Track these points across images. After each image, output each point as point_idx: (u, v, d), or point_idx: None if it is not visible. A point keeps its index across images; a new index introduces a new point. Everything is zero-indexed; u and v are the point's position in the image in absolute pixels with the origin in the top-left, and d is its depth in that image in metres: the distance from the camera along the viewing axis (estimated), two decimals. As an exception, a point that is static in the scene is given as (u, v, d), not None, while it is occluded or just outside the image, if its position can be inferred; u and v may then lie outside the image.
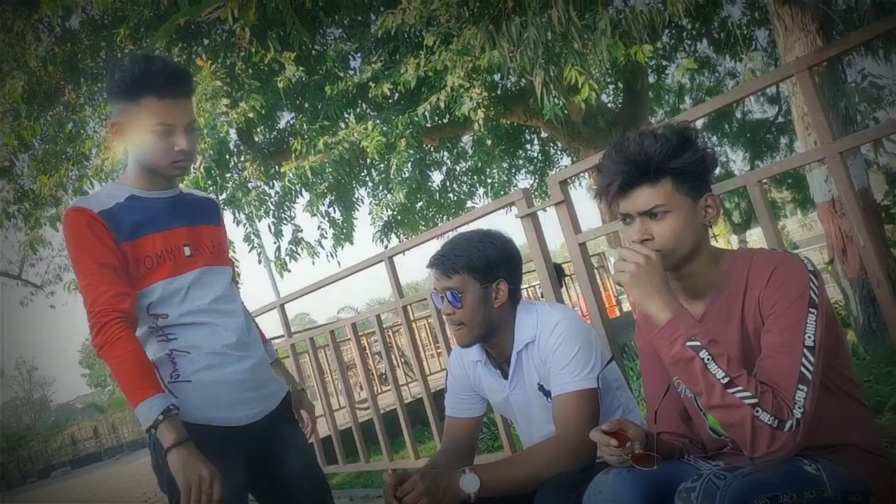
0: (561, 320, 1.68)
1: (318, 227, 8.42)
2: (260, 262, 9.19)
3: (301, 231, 8.17)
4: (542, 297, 2.79)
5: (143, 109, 1.50)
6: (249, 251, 8.36)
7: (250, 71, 6.83)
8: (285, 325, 4.14)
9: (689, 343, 1.19)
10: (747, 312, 1.28)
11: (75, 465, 22.69)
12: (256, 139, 8.04)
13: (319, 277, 3.67)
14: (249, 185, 7.65)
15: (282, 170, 7.10)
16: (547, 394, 1.68)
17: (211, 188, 7.17)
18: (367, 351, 7.34)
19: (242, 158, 7.89)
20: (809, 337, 1.19)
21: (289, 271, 8.06)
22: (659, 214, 1.28)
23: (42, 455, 25.42)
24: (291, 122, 8.05)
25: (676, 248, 1.29)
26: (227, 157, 7.51)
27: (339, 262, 8.64)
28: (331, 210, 8.42)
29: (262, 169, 7.61)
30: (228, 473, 1.48)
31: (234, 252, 7.40)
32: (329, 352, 5.72)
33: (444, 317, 1.73)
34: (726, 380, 1.16)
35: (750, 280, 1.28)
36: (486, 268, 1.67)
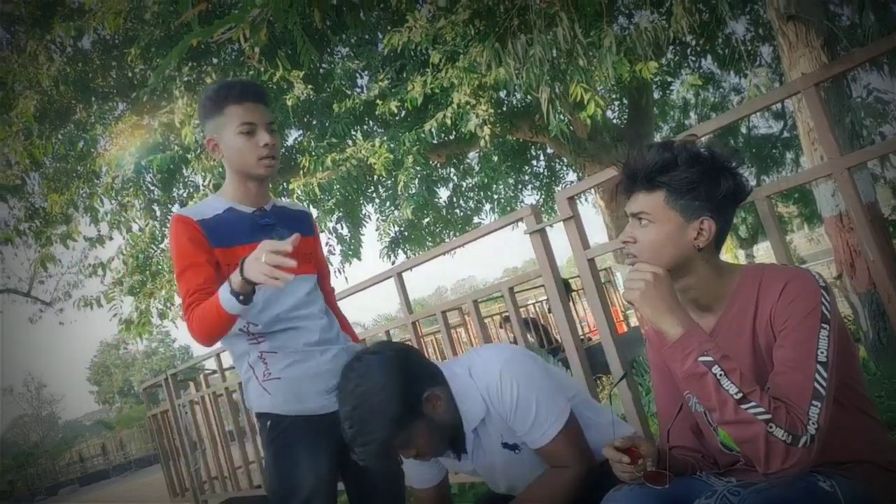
0: (503, 372, 1.57)
1: (326, 244, 8.46)
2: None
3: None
4: (551, 312, 2.80)
5: (228, 116, 1.73)
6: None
7: (259, 89, 6.89)
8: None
9: (701, 358, 1.19)
10: (759, 327, 1.28)
11: (83, 483, 22.65)
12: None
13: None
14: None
15: (290, 187, 7.14)
16: (513, 447, 1.63)
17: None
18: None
19: (251, 175, 7.95)
20: (822, 352, 1.19)
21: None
22: (643, 221, 1.33)
23: (50, 472, 25.38)
24: (299, 139, 8.10)
25: (649, 257, 1.31)
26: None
27: (346, 278, 8.70)
28: (338, 226, 8.46)
29: (271, 186, 7.66)
30: (321, 458, 1.72)
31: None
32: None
33: (407, 455, 1.62)
34: (739, 395, 1.16)
35: (761, 294, 1.29)
36: (407, 404, 1.51)
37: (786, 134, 11.10)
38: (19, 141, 7.22)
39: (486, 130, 6.29)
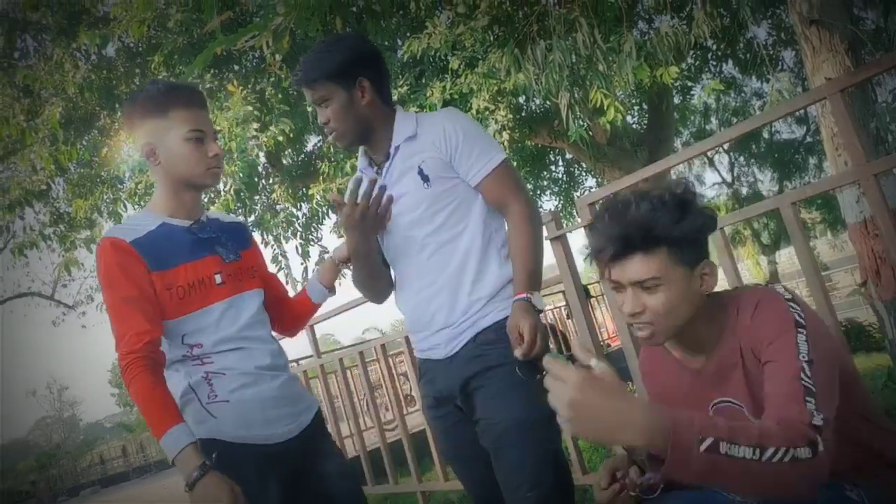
0: (446, 113, 1.73)
1: (346, 248, 8.49)
2: (287, 283, 9.28)
3: (328, 252, 8.25)
4: (570, 318, 2.78)
5: (173, 121, 1.57)
6: (277, 272, 8.46)
7: (279, 95, 6.96)
8: (314, 346, 4.18)
9: (703, 447, 0.99)
10: (746, 358, 1.25)
11: (104, 485, 22.91)
12: (284, 162, 8.18)
13: (345, 298, 3.71)
14: (278, 207, 7.77)
15: (309, 192, 7.20)
16: (426, 179, 1.67)
17: (240, 210, 7.29)
18: (394, 371, 7.35)
19: (271, 181, 8.02)
20: (803, 354, 1.14)
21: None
22: (651, 287, 1.21)
23: (71, 474, 25.71)
24: (319, 144, 8.17)
25: (669, 322, 1.23)
26: (256, 179, 7.64)
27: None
28: (357, 231, 8.50)
29: (290, 191, 7.73)
30: (265, 492, 1.52)
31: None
32: (357, 372, 5.74)
33: (324, 128, 1.74)
34: (757, 452, 1.02)
35: (739, 324, 1.25)
36: (343, 70, 1.66)
37: (808, 139, 10.98)
38: (45, 147, 7.34)
39: (505, 136, 6.29)
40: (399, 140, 1.71)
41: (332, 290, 1.91)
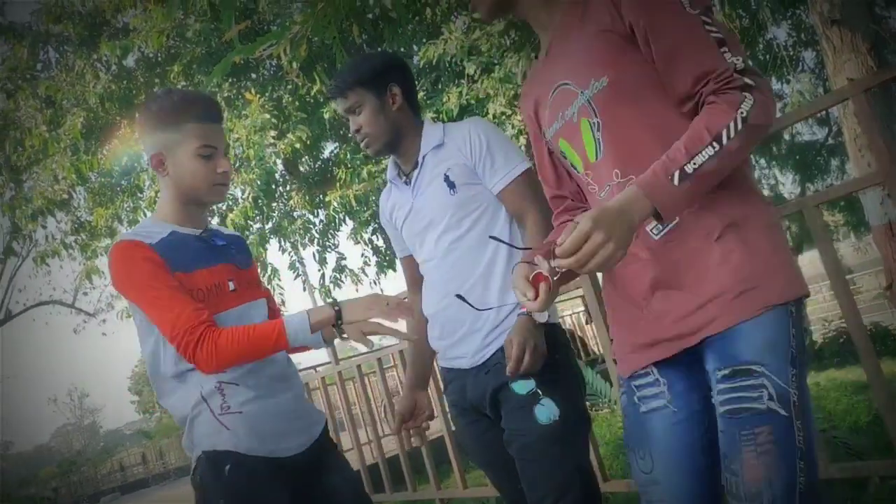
0: (472, 121, 1.76)
1: (362, 255, 8.53)
2: (304, 289, 9.33)
3: (345, 259, 8.28)
4: (588, 323, 2.76)
5: (186, 135, 1.53)
6: (294, 279, 8.50)
7: (297, 103, 7.01)
8: (332, 352, 4.18)
9: (676, 181, 1.03)
10: (589, 23, 1.17)
11: (124, 491, 23.08)
12: (302, 169, 8.22)
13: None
14: (295, 213, 7.81)
15: (326, 199, 7.23)
16: (452, 185, 1.70)
17: (258, 217, 7.34)
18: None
19: (288, 188, 8.07)
20: (688, 4, 1.09)
21: (333, 299, 8.14)
22: None
23: (92, 480, 25.94)
24: (336, 151, 8.21)
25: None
26: (274, 186, 7.70)
27: (381, 290, 8.73)
28: (374, 237, 8.52)
29: (308, 198, 7.77)
30: None
31: (280, 280, 7.54)
32: (375, 378, 5.75)
33: (355, 136, 1.78)
34: (716, 144, 1.03)
35: None
36: (374, 77, 1.72)
37: (831, 140, 10.83)
38: (67, 157, 7.45)
39: (522, 140, 6.27)
40: (427, 149, 1.74)
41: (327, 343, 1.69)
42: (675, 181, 1.02)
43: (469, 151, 1.70)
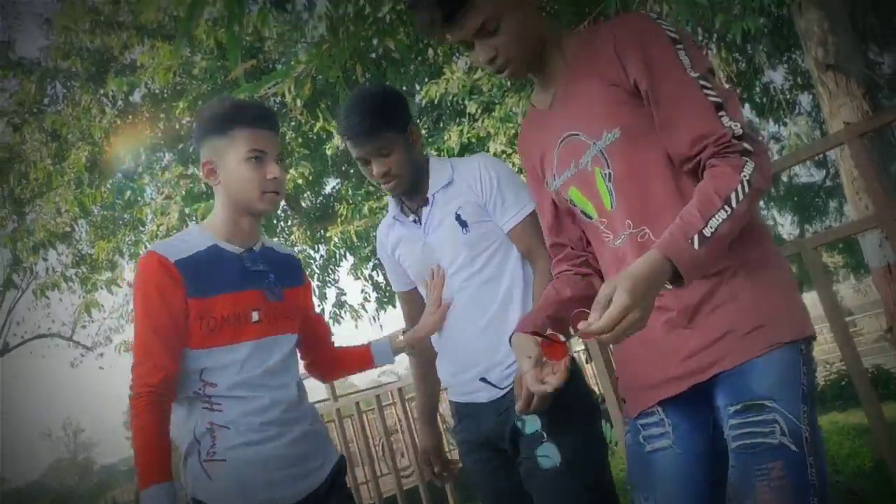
0: (481, 158, 1.76)
1: (362, 291, 8.53)
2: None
3: (345, 294, 8.28)
4: (589, 362, 2.75)
5: (235, 141, 1.49)
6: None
7: (300, 139, 7.09)
8: (331, 389, 4.15)
9: (696, 244, 1.04)
10: (595, 78, 1.19)
11: (116, 529, 22.64)
12: (304, 205, 8.28)
13: (362, 340, 3.69)
14: (296, 248, 7.84)
15: (327, 234, 7.26)
16: (464, 224, 1.67)
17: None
18: (410, 416, 7.27)
19: (290, 223, 8.12)
20: (688, 68, 1.12)
21: (332, 335, 8.12)
22: (494, 29, 1.18)
23: (84, 517, 25.48)
24: (337, 187, 8.27)
25: (520, 52, 1.21)
26: (275, 221, 7.74)
27: (381, 326, 8.71)
28: (374, 273, 8.53)
29: (309, 233, 7.81)
30: None
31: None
32: (373, 416, 5.69)
33: (377, 178, 1.70)
34: (727, 208, 1.06)
35: (597, 48, 1.20)
36: (398, 116, 1.68)
37: (829, 182, 10.92)
38: (70, 190, 7.51)
39: (522, 179, 6.33)
40: (436, 187, 1.73)
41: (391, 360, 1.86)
42: (696, 245, 1.04)
43: (480, 189, 1.69)
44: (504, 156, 6.31)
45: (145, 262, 1.47)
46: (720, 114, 1.10)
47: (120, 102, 7.75)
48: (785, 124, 8.20)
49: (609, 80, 1.18)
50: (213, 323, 1.45)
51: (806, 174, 11.59)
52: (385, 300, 8.44)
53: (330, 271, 8.29)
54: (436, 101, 6.43)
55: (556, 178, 1.29)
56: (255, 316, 1.49)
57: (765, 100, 7.80)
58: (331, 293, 8.22)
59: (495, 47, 1.20)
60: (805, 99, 8.34)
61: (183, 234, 1.58)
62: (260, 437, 1.45)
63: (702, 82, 1.12)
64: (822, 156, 10.48)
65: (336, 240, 7.09)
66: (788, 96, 7.87)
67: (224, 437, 1.44)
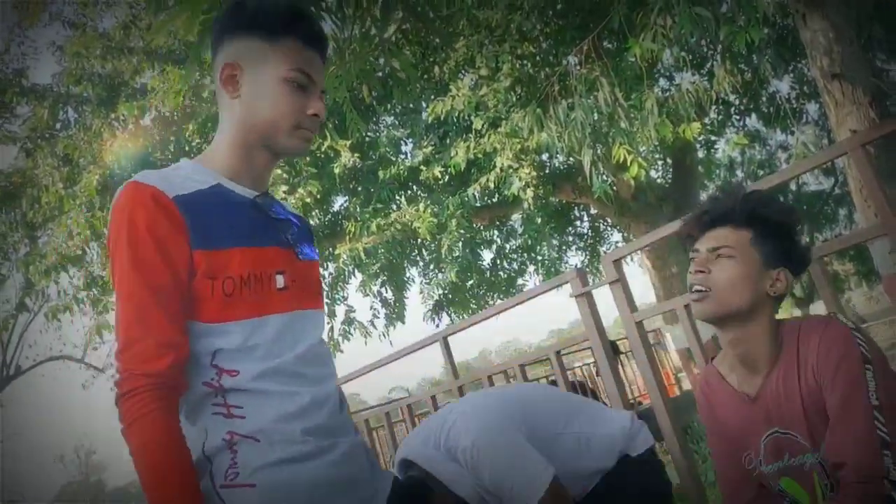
0: (475, 445, 1.57)
1: (371, 307, 8.55)
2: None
3: (354, 311, 8.29)
4: (599, 375, 2.74)
5: (281, 52, 1.09)
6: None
7: (307, 158, 7.15)
8: (341, 407, 4.15)
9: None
10: (805, 388, 1.24)
11: (129, 551, 22.57)
12: (312, 223, 8.32)
13: (371, 357, 3.70)
14: (305, 267, 7.87)
15: (336, 252, 7.29)
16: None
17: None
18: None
19: (299, 242, 8.15)
20: (873, 395, 1.15)
21: (341, 351, 8.14)
22: (723, 255, 1.29)
23: (97, 540, 25.42)
24: (345, 205, 8.32)
25: (725, 296, 1.27)
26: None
27: (391, 342, 8.70)
28: (383, 290, 8.56)
29: (317, 251, 7.84)
30: None
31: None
32: (383, 433, 5.67)
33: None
34: None
35: (801, 353, 1.25)
36: None
37: (837, 190, 10.88)
38: (82, 213, 7.58)
39: (529, 193, 6.35)
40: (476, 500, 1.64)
41: None
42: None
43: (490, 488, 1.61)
44: (511, 170, 6.34)
45: (131, 196, 1.03)
46: (885, 452, 1.12)
47: (131, 126, 7.85)
48: (792, 133, 8.20)
49: (813, 388, 1.23)
50: (229, 286, 1.02)
51: (814, 182, 11.54)
52: (394, 317, 8.45)
53: (339, 288, 8.31)
54: (442, 118, 6.48)
55: (767, 465, 1.33)
56: (280, 280, 1.07)
57: (771, 109, 7.81)
58: (340, 310, 8.25)
59: (710, 270, 1.30)
60: (812, 108, 8.34)
61: (173, 168, 1.14)
62: (302, 450, 1.02)
63: (876, 413, 1.14)
64: (830, 164, 10.45)
65: (344, 257, 7.12)
66: (795, 105, 7.87)
67: (250, 453, 1.00)
